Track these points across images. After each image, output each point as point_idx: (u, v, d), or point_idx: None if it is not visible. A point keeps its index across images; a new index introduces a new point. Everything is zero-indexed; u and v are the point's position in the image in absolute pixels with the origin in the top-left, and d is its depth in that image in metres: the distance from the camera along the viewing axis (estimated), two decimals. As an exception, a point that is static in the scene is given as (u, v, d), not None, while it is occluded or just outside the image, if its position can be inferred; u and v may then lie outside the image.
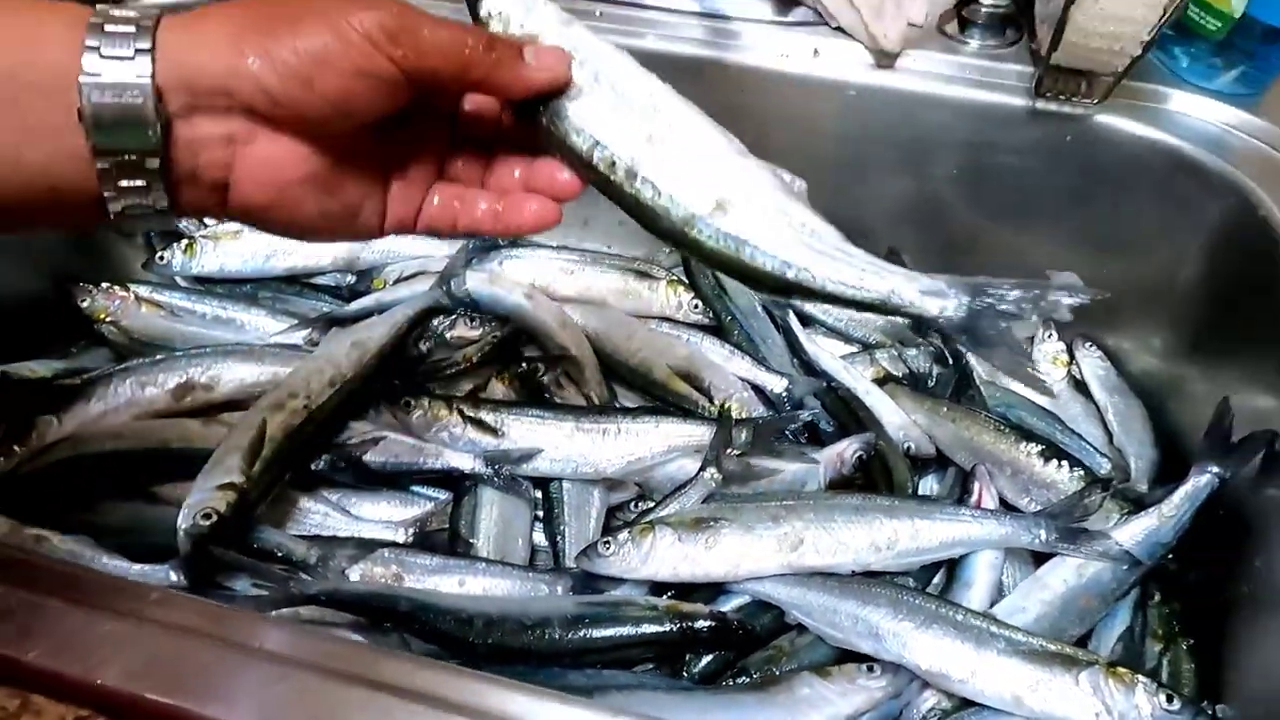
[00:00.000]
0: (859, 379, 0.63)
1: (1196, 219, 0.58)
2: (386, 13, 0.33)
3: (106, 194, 0.33)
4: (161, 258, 0.71)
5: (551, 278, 0.69)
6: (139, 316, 0.67)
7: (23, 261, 0.66)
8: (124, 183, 0.33)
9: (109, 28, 0.31)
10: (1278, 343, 0.52)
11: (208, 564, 0.51)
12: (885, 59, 0.61)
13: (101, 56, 0.31)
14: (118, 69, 0.31)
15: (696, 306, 0.68)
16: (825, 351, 0.65)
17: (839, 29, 0.62)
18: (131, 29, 0.31)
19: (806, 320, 0.69)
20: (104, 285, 0.67)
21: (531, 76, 0.36)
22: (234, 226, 0.72)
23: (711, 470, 0.54)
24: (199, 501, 0.51)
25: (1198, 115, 0.58)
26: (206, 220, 0.74)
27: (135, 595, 0.34)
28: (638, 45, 0.64)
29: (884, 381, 0.65)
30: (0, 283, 0.64)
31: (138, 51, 0.31)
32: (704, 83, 0.64)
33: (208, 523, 0.50)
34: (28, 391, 0.61)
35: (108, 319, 0.67)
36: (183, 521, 0.51)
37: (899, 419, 0.61)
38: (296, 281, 0.73)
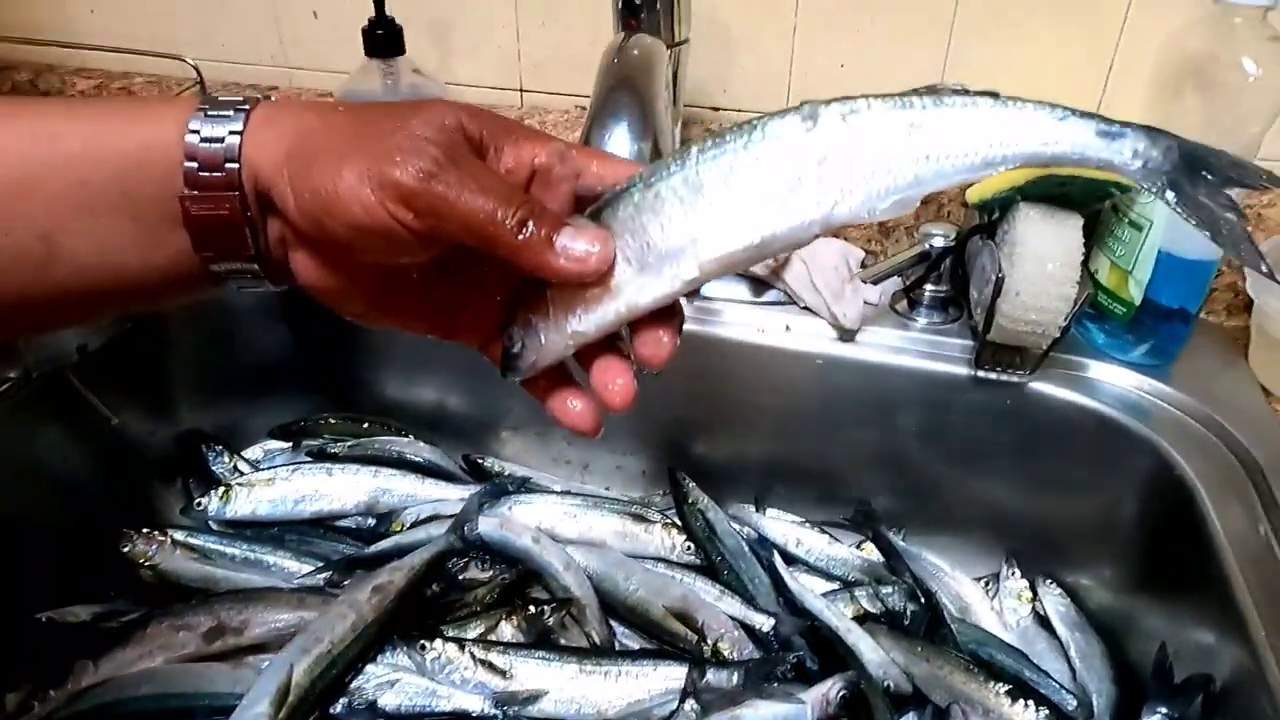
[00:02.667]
0: (840, 617, 0.69)
1: (1124, 472, 0.65)
2: (413, 170, 0.31)
3: (214, 271, 0.34)
4: (199, 504, 0.77)
5: (556, 521, 0.76)
6: (174, 560, 0.73)
7: (67, 505, 0.72)
8: (220, 267, 0.34)
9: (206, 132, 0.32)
10: (1208, 582, 0.58)
11: None
12: (847, 334, 0.71)
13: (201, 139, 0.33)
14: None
15: (689, 548, 0.74)
16: (809, 591, 0.71)
17: (806, 308, 0.73)
18: (223, 131, 0.33)
19: (790, 559, 0.75)
20: (144, 530, 0.74)
21: (559, 266, 0.32)
22: (267, 475, 0.79)
23: (691, 703, 0.59)
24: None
25: (1117, 383, 0.67)
26: (241, 468, 0.82)
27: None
28: (634, 320, 0.75)
29: (863, 619, 0.70)
30: (45, 525, 0.70)
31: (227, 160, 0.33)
32: (693, 352, 0.74)
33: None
34: (68, 636, 0.66)
35: (146, 563, 0.72)
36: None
37: (878, 657, 0.65)
38: (321, 525, 0.79)
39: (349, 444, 0.83)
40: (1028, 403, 0.68)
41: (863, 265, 0.74)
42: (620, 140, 0.48)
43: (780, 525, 0.77)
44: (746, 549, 0.74)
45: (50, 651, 0.64)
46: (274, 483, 0.79)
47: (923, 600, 0.70)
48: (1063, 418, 0.67)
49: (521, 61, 0.82)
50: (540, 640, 0.67)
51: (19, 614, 0.65)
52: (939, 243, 0.70)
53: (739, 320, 0.73)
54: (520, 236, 0.31)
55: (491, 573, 0.72)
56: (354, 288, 0.36)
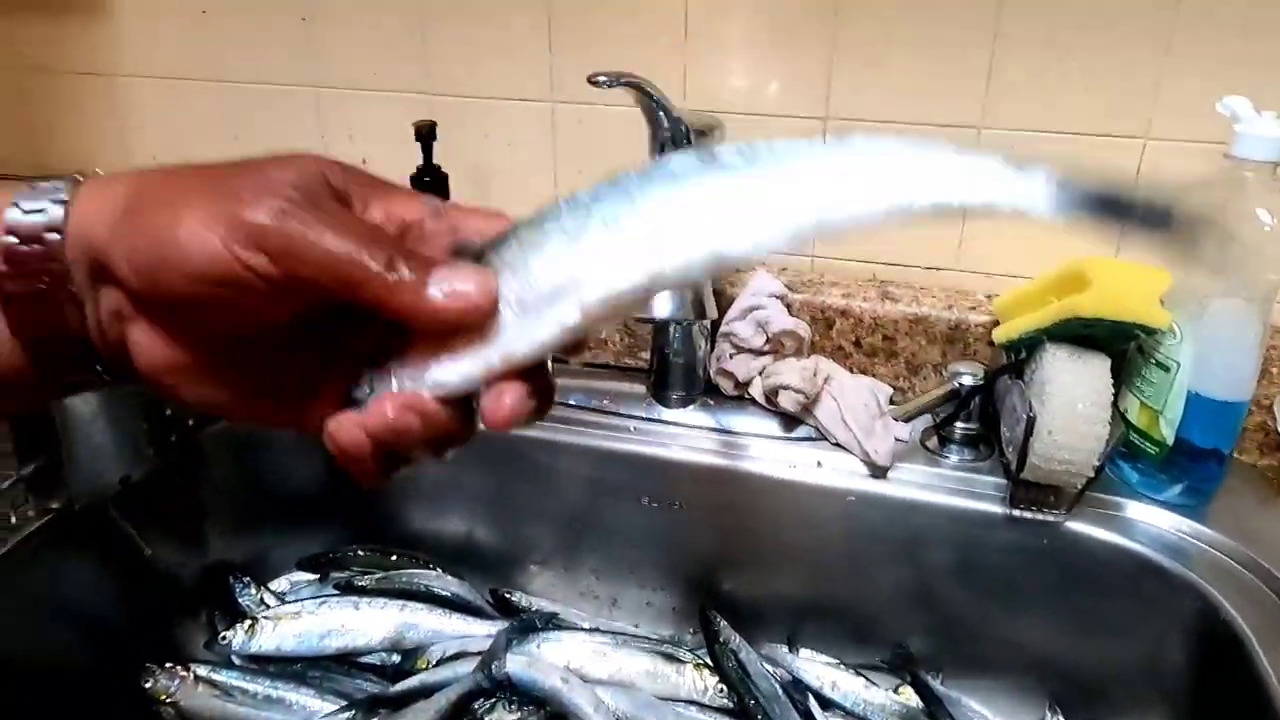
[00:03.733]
0: (879, 767, 0.66)
1: (1167, 614, 0.64)
2: (265, 208, 0.27)
3: (39, 360, 0.30)
4: (224, 638, 0.76)
5: (585, 660, 0.74)
6: (196, 697, 0.72)
7: (92, 639, 0.72)
8: (45, 352, 0.30)
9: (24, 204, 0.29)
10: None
11: None
12: (879, 470, 0.72)
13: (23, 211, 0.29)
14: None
15: (722, 691, 0.72)
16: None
17: (837, 444, 0.73)
18: (45, 202, 0.29)
19: (826, 704, 0.73)
20: (167, 665, 0.72)
21: (436, 306, 0.28)
22: (294, 608, 0.79)
23: None
24: None
25: (1155, 523, 0.67)
26: (268, 600, 0.81)
27: None
28: (663, 455, 0.75)
29: (902, 769, 0.67)
30: (68, 660, 0.69)
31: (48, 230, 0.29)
32: (722, 487, 0.74)
33: None
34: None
35: (167, 700, 0.71)
36: None
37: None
38: (345, 661, 0.77)
39: (376, 577, 0.82)
40: (1064, 543, 0.67)
41: (891, 402, 0.75)
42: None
43: (815, 667, 0.75)
44: (780, 692, 0.72)
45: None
46: (300, 616, 0.78)
47: (964, 748, 0.67)
48: (1100, 559, 0.66)
49: (557, 205, 0.86)
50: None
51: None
52: (968, 381, 0.71)
53: (769, 455, 0.74)
54: (391, 277, 0.28)
55: (519, 714, 0.70)
56: (196, 365, 0.30)
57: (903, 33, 0.72)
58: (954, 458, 0.73)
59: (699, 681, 0.73)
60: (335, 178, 0.30)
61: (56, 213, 0.29)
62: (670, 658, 0.74)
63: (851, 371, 0.79)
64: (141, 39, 0.91)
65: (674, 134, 0.66)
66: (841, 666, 0.75)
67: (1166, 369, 0.65)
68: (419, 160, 0.77)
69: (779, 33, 0.75)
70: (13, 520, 0.64)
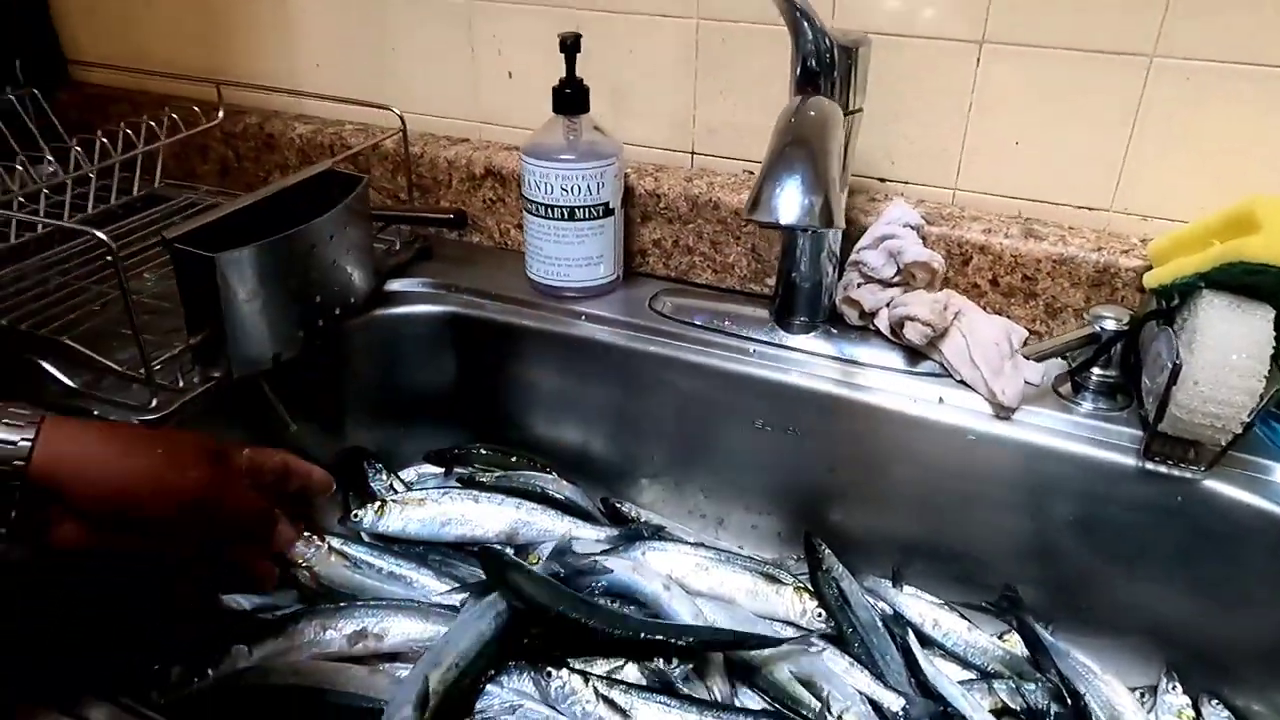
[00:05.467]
0: (977, 709, 0.65)
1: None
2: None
3: None
4: (356, 516, 0.82)
5: (687, 572, 0.76)
6: (328, 565, 0.77)
7: None
8: None
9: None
10: None
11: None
12: (1004, 412, 0.69)
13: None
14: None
15: (820, 615, 0.73)
16: (944, 675, 0.68)
17: (962, 382, 0.71)
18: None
19: (926, 641, 0.72)
20: (306, 535, 0.79)
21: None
22: (419, 495, 0.83)
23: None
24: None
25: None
26: (396, 487, 0.86)
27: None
28: (780, 379, 0.75)
29: (1000, 714, 0.66)
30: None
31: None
32: (838, 417, 0.74)
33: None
34: (231, 621, 0.71)
35: (304, 565, 0.77)
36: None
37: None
38: (462, 549, 0.82)
39: (496, 475, 0.86)
40: (1200, 502, 0.64)
41: (1025, 344, 0.72)
42: (792, 194, 0.49)
43: (918, 604, 0.74)
44: (880, 624, 0.72)
45: (214, 634, 0.69)
46: (424, 503, 0.83)
47: (1069, 702, 0.66)
48: (1238, 522, 0.63)
49: (695, 127, 0.86)
50: (663, 687, 0.66)
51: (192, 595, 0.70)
52: (1110, 325, 0.67)
53: (890, 388, 0.73)
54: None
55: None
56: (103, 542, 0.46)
57: (1075, -50, 0.68)
58: (1088, 405, 0.70)
59: (798, 604, 0.74)
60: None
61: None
62: (771, 578, 0.75)
63: (986, 311, 0.76)
64: (312, -50, 0.96)
65: (819, 51, 0.65)
66: (945, 607, 0.74)
67: (1342, 326, 0.60)
68: (563, 73, 0.78)
69: (939, -51, 0.72)
70: (179, 384, 0.71)
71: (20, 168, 0.88)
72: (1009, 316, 0.76)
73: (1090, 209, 0.75)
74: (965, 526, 0.72)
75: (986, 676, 0.70)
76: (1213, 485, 0.63)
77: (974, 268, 0.76)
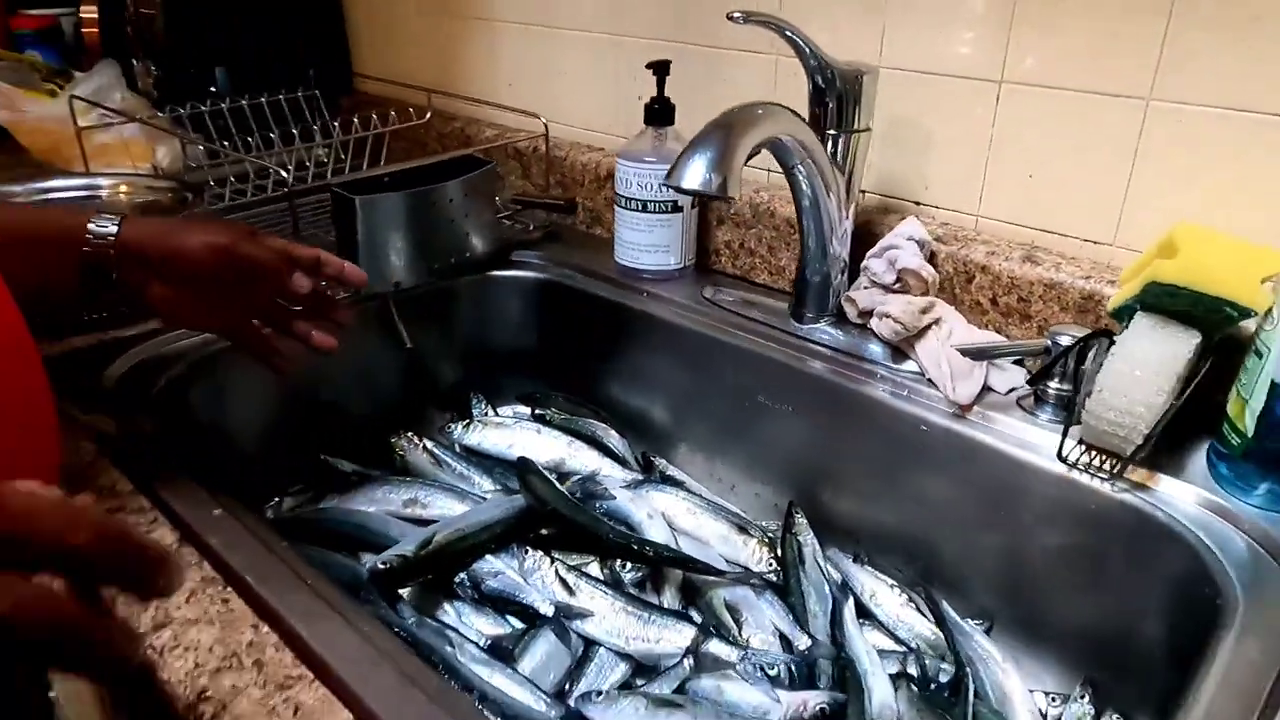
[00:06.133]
0: (874, 663, 0.72)
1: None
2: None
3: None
4: (450, 428, 1.03)
5: (679, 513, 0.88)
6: (417, 457, 0.99)
7: (370, 395, 1.02)
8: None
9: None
10: None
11: (381, 588, 0.76)
12: (958, 409, 0.76)
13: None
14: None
15: (771, 565, 0.82)
16: (861, 635, 0.75)
17: (930, 380, 0.78)
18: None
19: (865, 612, 0.79)
20: (408, 433, 1.01)
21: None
22: (498, 421, 1.03)
23: (689, 660, 0.68)
24: (383, 556, 0.77)
25: (1183, 499, 0.64)
26: (488, 413, 1.07)
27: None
28: (782, 360, 0.86)
29: (898, 677, 0.72)
30: (350, 403, 0.99)
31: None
32: (823, 398, 0.83)
33: (384, 567, 0.76)
34: (334, 475, 0.94)
35: (399, 453, 0.99)
36: (369, 563, 0.77)
37: (885, 699, 0.68)
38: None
39: (562, 417, 1.04)
40: (1112, 509, 0.67)
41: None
42: (698, 167, 0.63)
43: (869, 579, 0.81)
44: (826, 587, 0.80)
45: (319, 481, 0.93)
46: (500, 428, 1.02)
47: (954, 670, 0.70)
48: (1140, 531, 0.65)
49: (774, 147, 0.99)
50: (612, 582, 0.80)
51: (312, 451, 0.95)
52: (1064, 341, 0.72)
53: (868, 377, 0.81)
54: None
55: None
56: (180, 303, 0.67)
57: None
58: (1043, 415, 0.74)
59: (758, 552, 0.84)
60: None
61: (112, 230, 0.64)
62: (743, 530, 0.86)
63: (985, 328, 0.82)
64: (515, -6, 1.22)
65: (822, 76, 0.77)
66: (895, 586, 0.80)
67: (1260, 355, 0.62)
68: (654, 92, 0.96)
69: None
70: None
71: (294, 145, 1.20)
72: (1007, 334, 0.82)
73: (1095, 242, 0.79)
74: (923, 515, 0.79)
75: (911, 652, 0.76)
76: (1125, 498, 0.66)
77: (976, 286, 0.82)
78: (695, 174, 0.63)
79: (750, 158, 0.66)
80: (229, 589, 0.55)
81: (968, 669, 0.70)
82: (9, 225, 0.63)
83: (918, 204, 0.90)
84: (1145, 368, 0.63)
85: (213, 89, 1.37)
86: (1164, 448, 0.68)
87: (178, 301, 0.68)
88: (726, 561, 0.84)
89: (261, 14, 1.39)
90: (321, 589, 0.55)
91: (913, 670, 0.73)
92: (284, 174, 0.98)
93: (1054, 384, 0.74)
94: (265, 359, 0.75)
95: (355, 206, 0.90)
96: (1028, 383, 0.75)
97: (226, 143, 1.20)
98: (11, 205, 0.72)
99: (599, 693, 0.69)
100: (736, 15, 0.73)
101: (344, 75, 1.51)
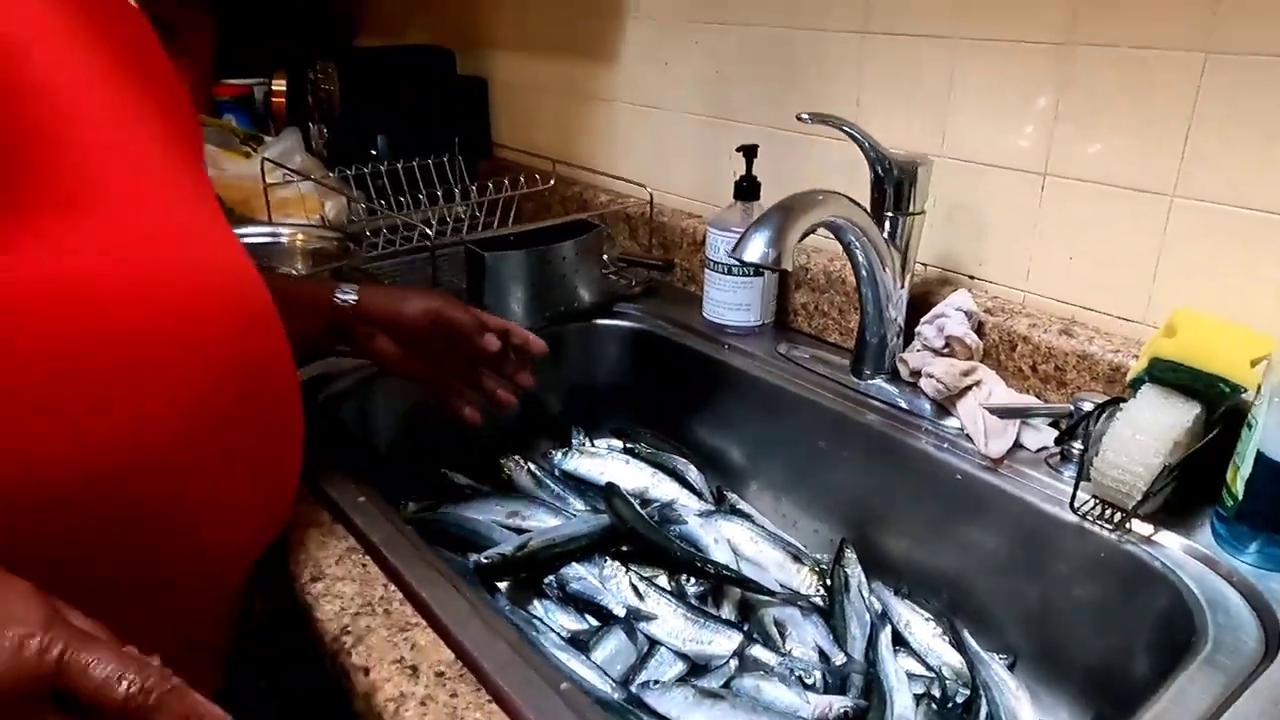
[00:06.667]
0: (900, 681, 0.81)
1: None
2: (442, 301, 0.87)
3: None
4: (552, 454, 1.18)
5: (741, 540, 1.00)
6: (520, 476, 1.14)
7: (488, 428, 1.18)
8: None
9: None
10: None
11: (482, 580, 0.91)
12: (989, 462, 0.85)
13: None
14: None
15: (819, 591, 0.93)
16: (891, 656, 0.85)
17: (968, 435, 0.88)
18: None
19: (900, 639, 0.89)
20: (515, 456, 1.17)
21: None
22: (592, 450, 1.18)
23: (735, 661, 0.79)
24: (486, 554, 0.93)
25: (1171, 547, 0.72)
26: (585, 443, 1.21)
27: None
28: (840, 411, 0.97)
29: (921, 698, 0.81)
30: (471, 435, 1.16)
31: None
32: (874, 448, 0.94)
33: (486, 562, 0.91)
34: (450, 486, 1.11)
35: (506, 472, 1.15)
36: (475, 558, 0.92)
37: (903, 711, 0.78)
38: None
39: (649, 451, 1.17)
40: (1117, 558, 0.75)
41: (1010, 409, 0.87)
42: (758, 242, 0.76)
43: (906, 610, 0.91)
44: (866, 614, 0.90)
45: (437, 491, 1.09)
46: (594, 457, 1.16)
47: (970, 692, 0.79)
48: (1141, 579, 0.73)
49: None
50: (677, 593, 0.92)
51: (433, 465, 1.12)
52: (1085, 406, 0.81)
53: (914, 429, 0.92)
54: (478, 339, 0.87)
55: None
56: (398, 356, 0.86)
57: (1115, 104, 0.84)
58: (1066, 472, 0.83)
59: (809, 579, 0.94)
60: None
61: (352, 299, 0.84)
62: (797, 558, 0.97)
63: (1025, 392, 0.91)
64: (627, 79, 1.39)
65: (880, 166, 0.90)
66: (927, 617, 0.89)
67: (1250, 427, 0.70)
68: (743, 171, 1.10)
69: (1013, 101, 0.92)
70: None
71: (439, 203, 1.41)
72: (1044, 399, 0.91)
73: (1127, 319, 0.88)
74: (958, 555, 0.88)
75: (936, 678, 0.85)
76: (1130, 549, 0.74)
77: (1018, 354, 0.92)
78: (755, 249, 0.76)
79: (805, 236, 0.79)
80: (367, 556, 0.71)
81: (983, 693, 0.79)
82: (274, 289, 0.83)
83: (971, 278, 1.00)
84: (1146, 433, 0.72)
85: (373, 152, 1.60)
86: (1176, 508, 0.76)
87: (396, 354, 0.87)
88: (780, 585, 0.95)
89: (418, 90, 1.62)
90: (435, 563, 0.70)
91: (933, 691, 0.82)
92: (428, 231, 1.17)
93: (1077, 444, 0.83)
94: (456, 408, 0.92)
95: (485, 261, 1.07)
96: (1055, 442, 0.84)
97: (384, 201, 1.41)
98: (275, 273, 0.93)
99: (656, 682, 0.81)
100: (805, 116, 0.86)
101: (483, 143, 1.72)
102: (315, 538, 0.72)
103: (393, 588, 0.67)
